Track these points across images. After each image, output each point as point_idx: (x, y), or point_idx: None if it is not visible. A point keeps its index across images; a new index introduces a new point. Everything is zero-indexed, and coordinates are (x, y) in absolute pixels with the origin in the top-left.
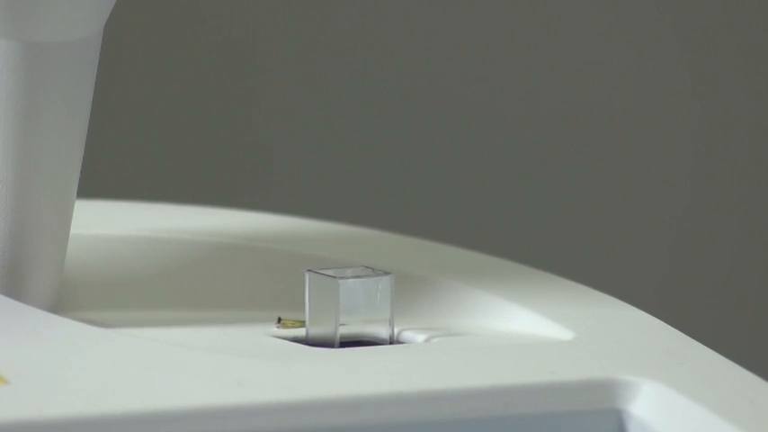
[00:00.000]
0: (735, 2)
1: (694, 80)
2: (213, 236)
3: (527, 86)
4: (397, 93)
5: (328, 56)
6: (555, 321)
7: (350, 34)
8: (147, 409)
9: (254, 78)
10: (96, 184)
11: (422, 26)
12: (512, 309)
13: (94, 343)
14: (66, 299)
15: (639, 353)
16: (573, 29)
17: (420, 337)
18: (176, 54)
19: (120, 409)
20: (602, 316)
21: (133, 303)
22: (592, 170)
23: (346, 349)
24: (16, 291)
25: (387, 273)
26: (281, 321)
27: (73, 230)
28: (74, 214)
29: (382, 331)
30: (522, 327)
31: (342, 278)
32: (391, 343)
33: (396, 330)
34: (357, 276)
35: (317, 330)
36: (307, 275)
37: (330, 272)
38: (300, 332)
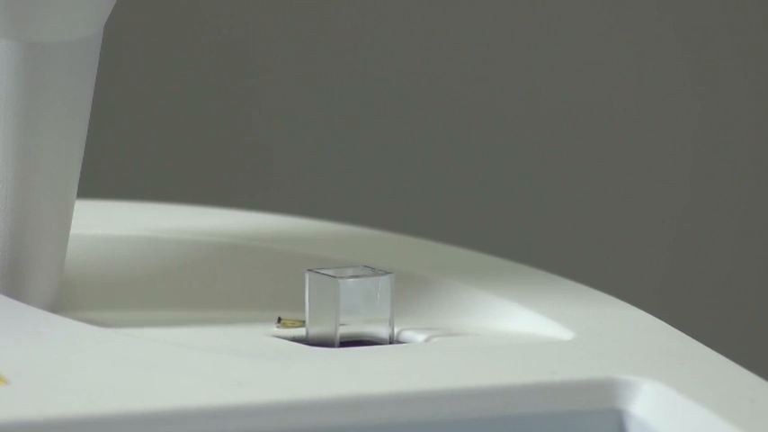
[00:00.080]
0: (735, 2)
1: (694, 80)
2: (213, 236)
3: (527, 86)
4: (397, 93)
5: (328, 56)
6: (555, 321)
7: (350, 34)
8: (147, 409)
9: (254, 78)
10: (96, 184)
11: (422, 26)
12: (512, 309)
13: (94, 343)
14: (67, 299)
15: (639, 353)
16: (573, 29)
17: (420, 337)
18: (176, 54)
19: (120, 409)
20: (602, 316)
21: (133, 303)
22: (592, 170)
23: (346, 349)
24: (16, 291)
25: (387, 273)
26: (281, 321)
27: (73, 230)
28: (74, 214)
29: (382, 331)
30: (522, 327)
31: (342, 278)
32: (391, 343)
33: (396, 330)
34: (357, 276)
35: (316, 330)
36: (307, 275)
37: (330, 272)
38: (300, 332)
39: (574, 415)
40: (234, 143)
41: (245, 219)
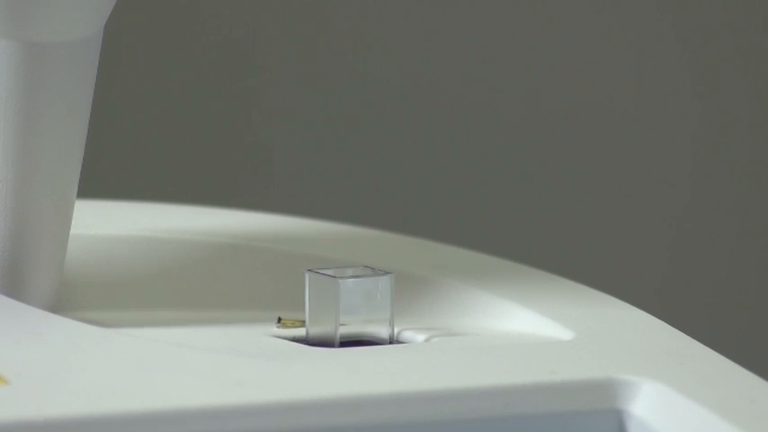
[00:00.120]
0: (735, 2)
1: (694, 80)
2: (213, 236)
3: (527, 86)
4: (397, 93)
5: (328, 56)
6: (555, 321)
7: (350, 34)
8: (147, 409)
9: (254, 78)
10: (96, 184)
11: (422, 26)
12: (512, 309)
13: (94, 343)
14: (67, 299)
15: (639, 353)
16: (573, 29)
17: (420, 337)
18: (176, 54)
19: (120, 409)
20: (602, 316)
21: (133, 303)
22: (592, 170)
23: (346, 349)
24: (16, 291)
25: (387, 273)
26: (281, 321)
27: (73, 230)
28: (74, 214)
29: (382, 331)
30: (522, 327)
31: (342, 278)
32: (391, 343)
33: (396, 330)
34: (357, 276)
35: (316, 330)
36: (307, 275)
37: (330, 272)
38: (300, 332)
39: (574, 415)
40: (234, 143)
41: (245, 219)
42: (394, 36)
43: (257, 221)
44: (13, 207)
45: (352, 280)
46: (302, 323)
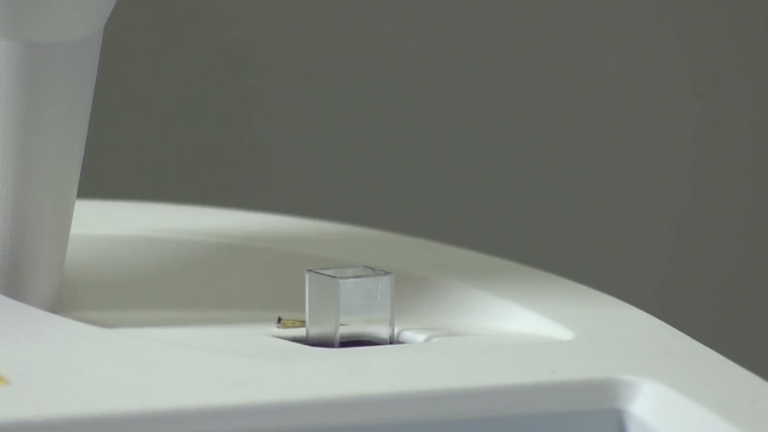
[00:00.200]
0: (735, 2)
1: (694, 80)
2: (213, 236)
3: (527, 86)
4: (397, 93)
5: (328, 56)
6: (555, 321)
7: (350, 34)
8: (147, 409)
9: (254, 78)
10: (96, 184)
11: (422, 26)
12: (512, 309)
13: (94, 343)
14: (67, 299)
15: (639, 353)
16: (573, 29)
17: (420, 337)
18: (176, 54)
19: (120, 409)
20: (602, 316)
21: (133, 303)
22: (592, 170)
23: (346, 349)
24: (16, 291)
25: (387, 273)
26: (281, 321)
27: (73, 230)
28: (74, 214)
29: (382, 331)
30: (522, 327)
31: (342, 278)
32: (391, 343)
33: (396, 330)
34: (357, 276)
35: (316, 330)
36: (307, 275)
37: (330, 272)
38: (300, 332)
39: (574, 415)
40: (234, 143)
41: (245, 219)
42: (394, 36)
43: (257, 221)
44: (13, 207)
45: (352, 280)
46: (302, 323)
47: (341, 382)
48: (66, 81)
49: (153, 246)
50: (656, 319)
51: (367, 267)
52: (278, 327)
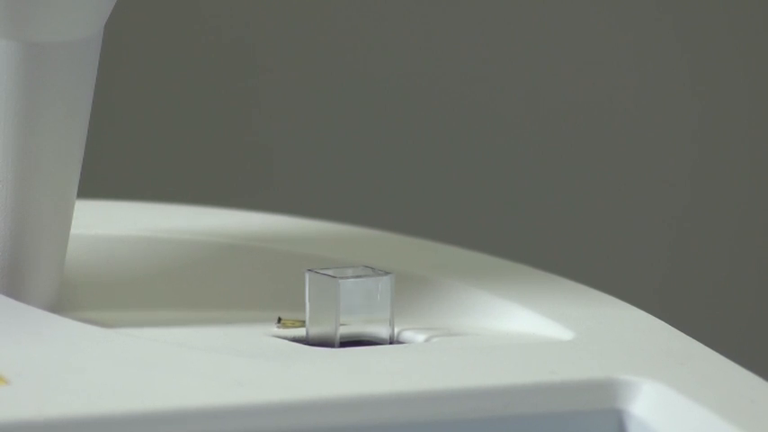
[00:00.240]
0: (735, 2)
1: (694, 80)
2: (213, 236)
3: (527, 86)
4: (397, 93)
5: (328, 56)
6: (555, 321)
7: (350, 34)
8: (147, 409)
9: (254, 78)
10: (96, 184)
11: (422, 26)
12: (512, 309)
13: (94, 343)
14: (67, 299)
15: (639, 353)
16: (573, 29)
17: (420, 337)
18: (176, 54)
19: (120, 409)
20: (602, 316)
21: (133, 303)
22: (592, 170)
23: (346, 349)
24: (16, 291)
25: (387, 273)
26: (281, 321)
27: (73, 230)
28: (74, 214)
29: (382, 331)
30: (522, 327)
31: (342, 278)
32: (391, 343)
33: (396, 330)
34: (357, 276)
35: (317, 330)
36: (307, 275)
37: (330, 272)
38: (300, 332)
39: (574, 415)
40: (234, 143)
41: (245, 219)
42: (394, 36)
43: (257, 221)
44: (13, 207)
45: (352, 280)
46: (302, 323)
47: (341, 382)
48: (66, 81)
49: (153, 246)
50: (656, 319)
51: (367, 267)
52: (278, 327)
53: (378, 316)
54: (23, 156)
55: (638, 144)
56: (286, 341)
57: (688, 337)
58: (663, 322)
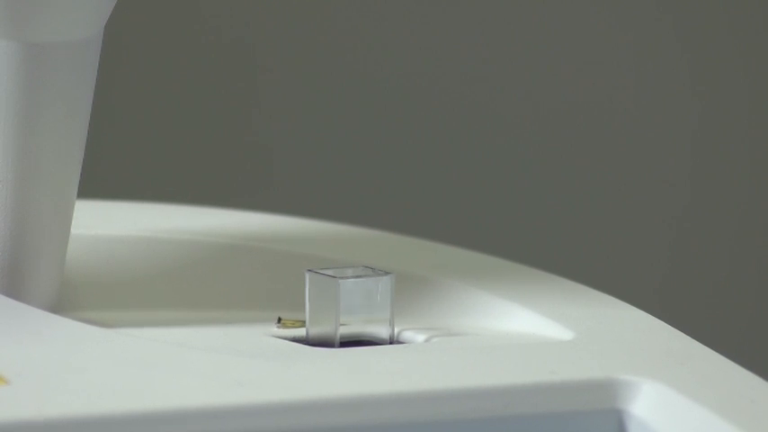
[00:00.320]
0: (735, 2)
1: (694, 80)
2: (213, 236)
3: (527, 86)
4: (397, 93)
5: (328, 56)
6: (555, 321)
7: (350, 34)
8: (147, 409)
9: (254, 78)
10: (96, 184)
11: (422, 26)
12: (512, 309)
13: (94, 343)
14: (67, 299)
15: (639, 353)
16: (573, 29)
17: (420, 337)
18: (176, 54)
19: (120, 409)
20: (602, 316)
21: (133, 303)
22: (592, 170)
23: (346, 349)
24: (16, 291)
25: (387, 273)
26: (281, 321)
27: (73, 230)
28: (74, 214)
29: (382, 331)
30: (522, 327)
31: (342, 278)
32: (391, 343)
33: (396, 330)
34: (357, 276)
35: (317, 330)
36: (307, 275)
37: (330, 272)
38: (300, 332)
39: (574, 415)
40: (234, 143)
41: (245, 219)
42: (394, 36)
43: (257, 221)
44: (13, 207)
45: (352, 280)
46: (302, 323)
47: (341, 382)
48: (66, 81)
49: (153, 246)
50: (656, 319)
51: (367, 267)
52: (278, 327)
53: (378, 316)
54: (23, 156)
55: (638, 144)
56: (286, 341)
57: (688, 337)
58: (663, 322)
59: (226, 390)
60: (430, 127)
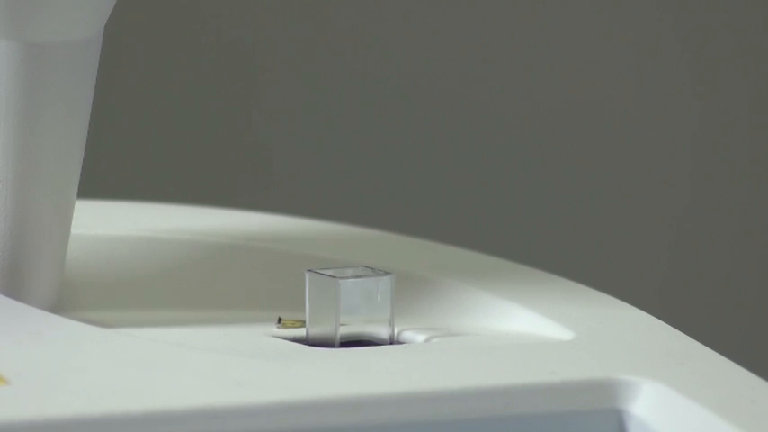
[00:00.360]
0: (735, 2)
1: (694, 80)
2: (213, 236)
3: (527, 86)
4: (397, 93)
5: (328, 56)
6: (555, 321)
7: (350, 34)
8: (147, 409)
9: (254, 78)
10: (96, 184)
11: (422, 26)
12: (512, 309)
13: (94, 343)
14: (67, 299)
15: (639, 353)
16: (573, 29)
17: (420, 337)
18: (176, 54)
19: (120, 409)
20: (602, 316)
21: (133, 303)
22: (592, 170)
23: (346, 349)
24: (16, 291)
25: (387, 273)
26: (281, 321)
27: (73, 230)
28: (74, 214)
29: (382, 331)
30: (522, 327)
31: (342, 278)
32: (391, 343)
33: (396, 330)
34: (357, 276)
35: (317, 330)
36: (307, 275)
37: (330, 272)
38: (300, 332)
39: (574, 415)
40: (234, 143)
41: (245, 219)
42: (394, 36)
43: (257, 221)
44: (13, 207)
45: (352, 280)
46: (302, 323)
47: (341, 382)
48: (66, 81)
49: (153, 246)
50: (656, 319)
51: (367, 267)
52: (278, 327)
53: (378, 316)
54: (23, 156)
55: (638, 144)
56: (286, 341)
57: (688, 337)
58: (663, 322)
59: (226, 390)
60: (430, 127)
